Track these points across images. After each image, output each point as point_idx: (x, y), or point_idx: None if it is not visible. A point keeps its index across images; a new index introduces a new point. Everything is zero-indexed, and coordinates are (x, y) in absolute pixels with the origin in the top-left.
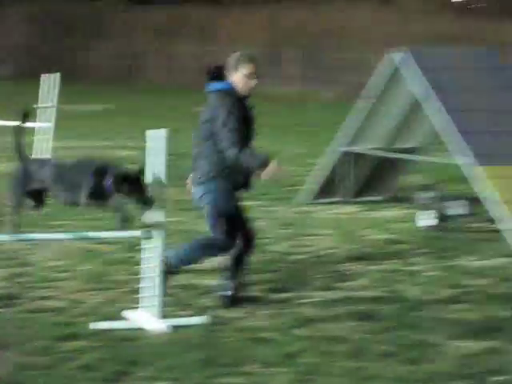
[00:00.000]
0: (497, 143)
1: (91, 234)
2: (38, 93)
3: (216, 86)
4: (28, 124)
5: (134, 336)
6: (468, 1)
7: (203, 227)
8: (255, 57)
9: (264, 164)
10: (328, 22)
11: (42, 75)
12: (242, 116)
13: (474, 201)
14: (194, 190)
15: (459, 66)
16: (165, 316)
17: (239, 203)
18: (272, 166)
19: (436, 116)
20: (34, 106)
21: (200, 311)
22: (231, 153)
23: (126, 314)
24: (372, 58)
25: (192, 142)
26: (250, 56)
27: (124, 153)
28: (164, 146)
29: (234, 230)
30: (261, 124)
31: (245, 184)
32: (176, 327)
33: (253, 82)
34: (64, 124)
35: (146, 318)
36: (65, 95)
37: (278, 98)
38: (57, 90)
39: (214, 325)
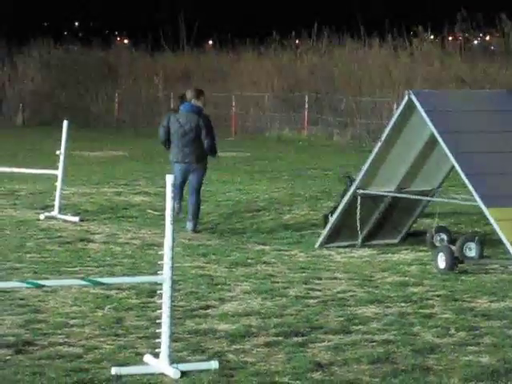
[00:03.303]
0: (502, 184)
1: (105, 279)
2: (51, 140)
3: (192, 107)
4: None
5: (151, 382)
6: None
7: (220, 272)
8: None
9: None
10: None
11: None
12: None
13: (487, 242)
14: (193, 165)
15: (466, 108)
16: (177, 361)
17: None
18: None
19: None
20: (57, 152)
21: (212, 356)
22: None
23: (145, 358)
24: (391, 101)
25: (178, 139)
26: (199, 89)
27: (139, 198)
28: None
29: None
30: (277, 168)
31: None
32: (187, 372)
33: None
34: (77, 170)
35: (157, 362)
36: (79, 142)
37: (292, 141)
38: (64, 138)
39: (227, 369)
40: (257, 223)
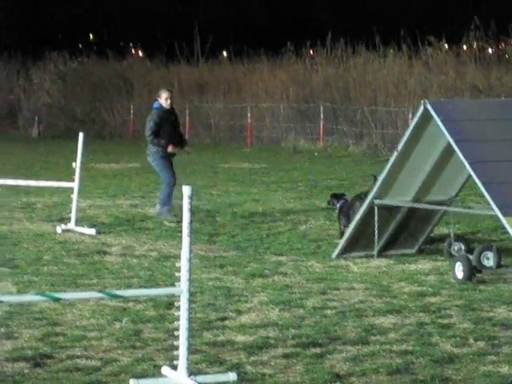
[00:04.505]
0: None
1: (122, 292)
2: (66, 152)
3: (155, 105)
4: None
5: None
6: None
7: (237, 284)
8: (170, 89)
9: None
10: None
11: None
12: (166, 119)
13: (505, 251)
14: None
15: (482, 116)
16: (195, 373)
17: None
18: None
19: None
20: (73, 164)
21: (230, 368)
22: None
23: (163, 370)
24: (406, 111)
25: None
26: (167, 89)
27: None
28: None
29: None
30: (293, 179)
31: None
32: None
33: (168, 102)
34: (93, 182)
35: (175, 375)
36: (95, 154)
37: (307, 151)
38: (80, 150)
39: (245, 381)
40: (273, 234)
